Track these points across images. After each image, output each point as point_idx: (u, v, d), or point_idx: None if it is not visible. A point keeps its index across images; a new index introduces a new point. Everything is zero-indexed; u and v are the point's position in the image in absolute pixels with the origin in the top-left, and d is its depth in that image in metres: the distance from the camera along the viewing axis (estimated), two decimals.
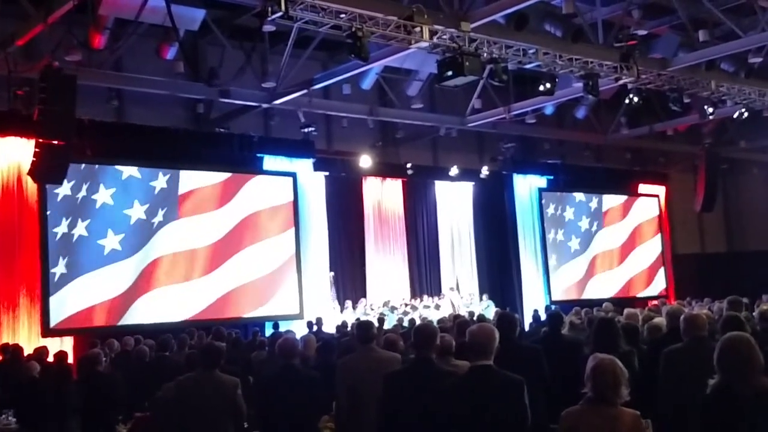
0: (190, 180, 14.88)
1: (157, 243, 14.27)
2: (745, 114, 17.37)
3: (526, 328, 13.07)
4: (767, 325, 6.82)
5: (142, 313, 13.87)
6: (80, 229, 13.40)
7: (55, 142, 10.69)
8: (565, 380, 5.23)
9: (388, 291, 18.19)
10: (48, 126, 10.55)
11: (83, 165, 13.37)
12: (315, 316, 13.55)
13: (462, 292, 19.25)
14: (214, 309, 14.76)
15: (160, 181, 14.46)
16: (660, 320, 7.43)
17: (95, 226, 13.57)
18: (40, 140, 10.67)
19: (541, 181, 20.62)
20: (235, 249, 15.25)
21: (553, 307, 16.19)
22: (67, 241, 13.25)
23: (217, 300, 14.85)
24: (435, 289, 19.32)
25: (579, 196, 21.28)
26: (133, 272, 13.91)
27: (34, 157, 10.80)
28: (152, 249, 14.20)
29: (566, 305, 15.40)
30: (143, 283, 14.03)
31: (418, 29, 11.38)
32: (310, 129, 16.11)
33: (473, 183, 20.14)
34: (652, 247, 22.64)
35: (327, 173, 17.40)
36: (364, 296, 17.79)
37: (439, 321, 11.70)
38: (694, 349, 5.38)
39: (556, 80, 14.05)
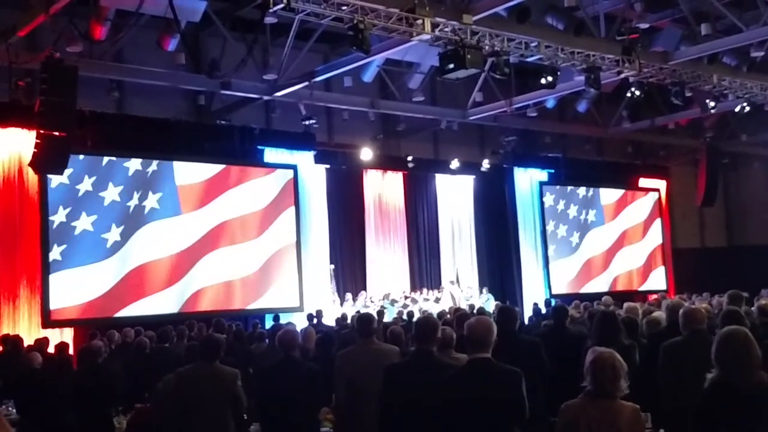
0: (191, 172, 14.88)
1: (158, 238, 14.27)
2: (747, 108, 17.32)
3: (526, 321, 13.07)
4: (767, 320, 6.85)
5: (141, 306, 13.88)
6: (83, 220, 13.41)
7: (56, 133, 10.71)
8: (570, 373, 5.22)
9: (388, 284, 18.19)
10: (49, 117, 10.57)
11: (84, 156, 13.39)
12: (315, 308, 13.57)
13: (462, 286, 19.23)
14: (215, 301, 14.79)
15: (158, 170, 14.44)
16: (659, 314, 7.44)
17: (98, 219, 13.57)
18: (41, 131, 10.68)
19: (542, 175, 20.62)
20: (235, 241, 15.26)
21: (553, 300, 16.19)
22: (68, 233, 13.26)
23: (217, 292, 14.87)
24: (435, 282, 19.31)
25: (580, 189, 21.27)
26: (134, 265, 13.92)
27: (35, 148, 10.82)
28: (152, 244, 14.20)
29: (566, 299, 15.42)
30: (144, 276, 14.06)
31: (419, 21, 11.36)
32: (311, 121, 16.09)
33: (474, 176, 20.12)
34: (652, 241, 22.64)
35: (328, 166, 17.39)
36: (364, 289, 17.78)
37: (439, 314, 11.71)
38: (692, 342, 5.39)
39: (558, 73, 14.00)
